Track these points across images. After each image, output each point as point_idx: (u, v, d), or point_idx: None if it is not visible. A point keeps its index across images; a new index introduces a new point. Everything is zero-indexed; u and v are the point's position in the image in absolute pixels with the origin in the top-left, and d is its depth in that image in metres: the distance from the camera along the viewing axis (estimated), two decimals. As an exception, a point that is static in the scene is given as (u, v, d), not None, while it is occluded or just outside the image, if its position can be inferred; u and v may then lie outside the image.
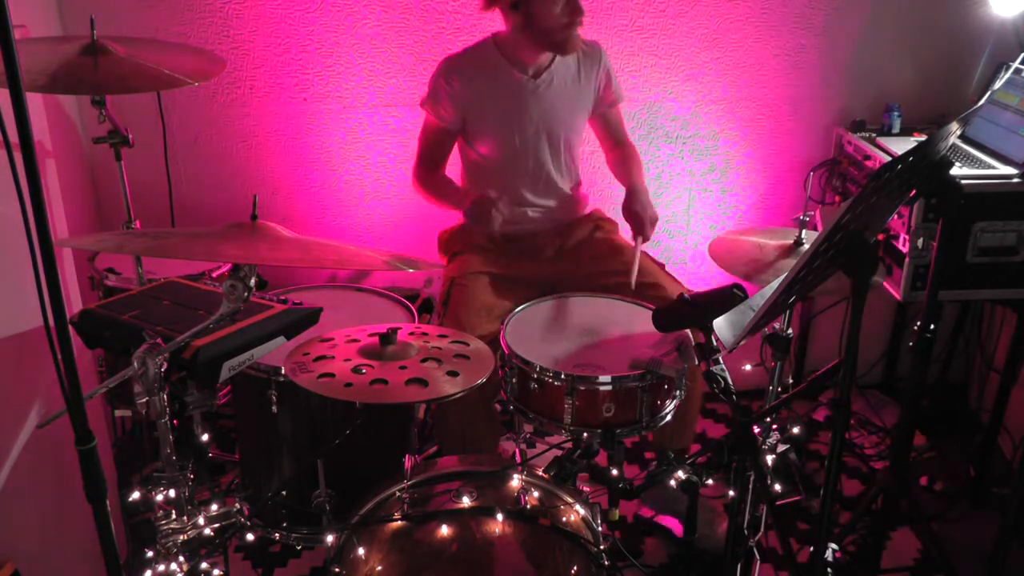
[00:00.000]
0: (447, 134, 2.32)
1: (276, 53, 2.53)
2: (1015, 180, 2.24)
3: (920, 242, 2.24)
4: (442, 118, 2.27)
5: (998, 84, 2.51)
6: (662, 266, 2.35)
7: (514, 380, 1.82)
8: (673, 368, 1.72)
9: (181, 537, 1.54)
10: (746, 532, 1.71)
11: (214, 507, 1.63)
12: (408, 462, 1.64)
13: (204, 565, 1.61)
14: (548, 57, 2.26)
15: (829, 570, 1.54)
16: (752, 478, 1.65)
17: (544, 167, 2.35)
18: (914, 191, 1.68)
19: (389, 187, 2.71)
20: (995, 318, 2.85)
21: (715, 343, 1.52)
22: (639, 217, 2.23)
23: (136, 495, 1.72)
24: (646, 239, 2.22)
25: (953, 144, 2.47)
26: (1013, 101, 2.40)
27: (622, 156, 2.47)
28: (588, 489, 1.73)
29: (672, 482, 1.74)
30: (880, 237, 2.39)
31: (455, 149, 2.39)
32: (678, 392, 1.85)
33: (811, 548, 1.43)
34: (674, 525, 2.38)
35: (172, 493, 1.52)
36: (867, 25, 2.70)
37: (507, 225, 2.34)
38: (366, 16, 2.51)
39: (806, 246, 2.00)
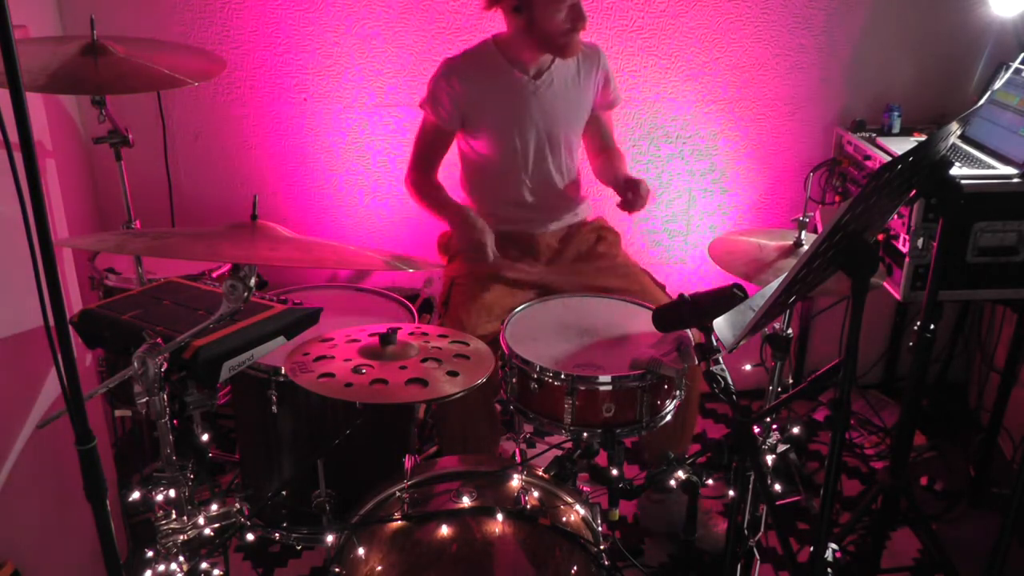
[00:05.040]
0: (445, 135, 2.32)
1: (276, 53, 2.53)
2: (1015, 180, 2.24)
3: (920, 242, 2.24)
4: (441, 118, 2.27)
5: (998, 84, 2.51)
6: (663, 287, 2.34)
7: (514, 380, 1.82)
8: (673, 368, 1.72)
9: (181, 537, 1.54)
10: (746, 532, 1.72)
11: (214, 507, 1.63)
12: (408, 462, 1.64)
13: (204, 565, 1.61)
14: (548, 58, 2.26)
15: (829, 570, 1.53)
16: (752, 478, 1.65)
17: (544, 168, 2.34)
18: (914, 191, 1.68)
19: (389, 187, 2.71)
20: (995, 318, 2.85)
21: (715, 343, 1.52)
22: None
23: (136, 495, 1.71)
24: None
25: (953, 144, 2.47)
26: (1013, 101, 2.40)
27: (607, 159, 2.43)
28: (588, 489, 1.73)
29: (672, 482, 1.74)
30: (880, 237, 2.39)
31: (454, 150, 2.39)
32: (678, 392, 1.85)
33: (811, 548, 1.43)
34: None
35: (172, 493, 1.52)
36: (867, 25, 2.70)
37: (506, 225, 2.34)
38: (366, 16, 2.51)
39: (806, 247, 1.99)
